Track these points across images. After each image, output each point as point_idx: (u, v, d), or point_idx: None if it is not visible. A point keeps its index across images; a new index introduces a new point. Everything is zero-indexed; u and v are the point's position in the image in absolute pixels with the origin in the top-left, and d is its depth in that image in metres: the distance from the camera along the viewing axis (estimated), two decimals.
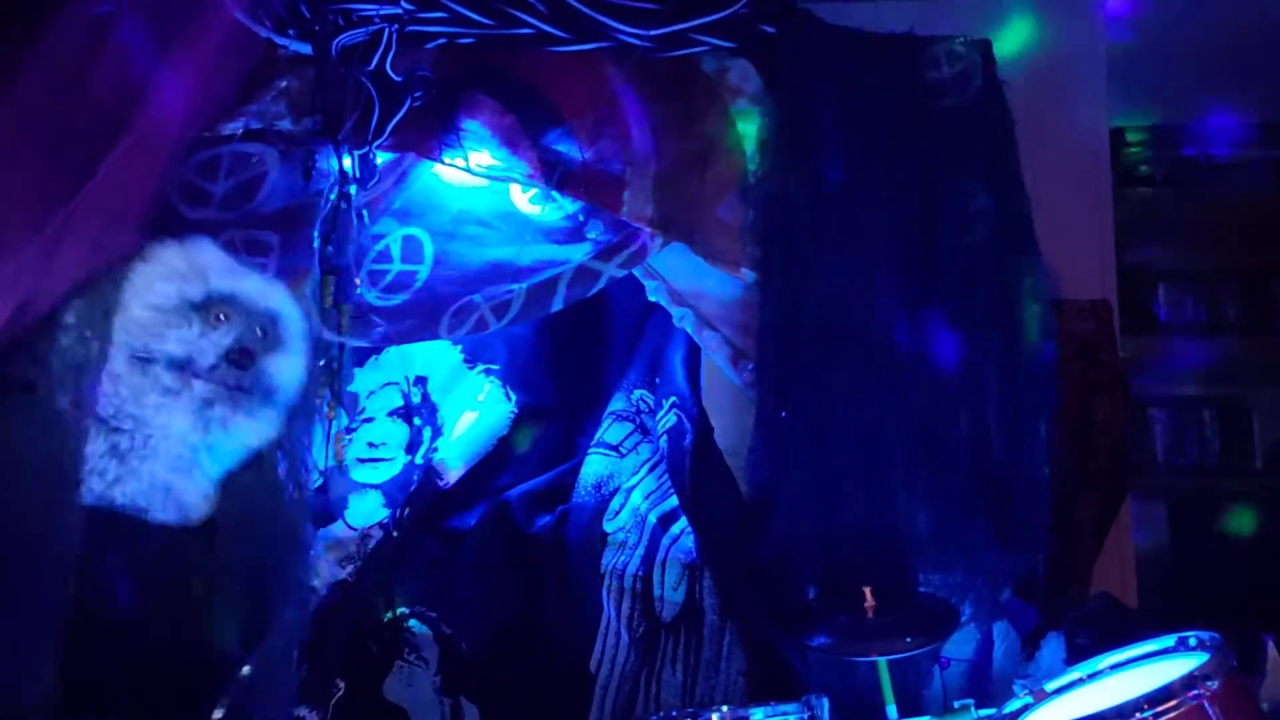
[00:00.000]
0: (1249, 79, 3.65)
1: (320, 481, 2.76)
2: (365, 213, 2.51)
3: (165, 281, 2.02)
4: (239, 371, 2.02)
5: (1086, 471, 2.81)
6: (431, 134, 2.50)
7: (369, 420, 2.85)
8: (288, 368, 2.11)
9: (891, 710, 2.09)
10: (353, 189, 2.47)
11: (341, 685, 2.46)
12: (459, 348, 2.91)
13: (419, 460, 2.83)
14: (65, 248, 2.19)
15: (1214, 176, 3.95)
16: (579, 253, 2.61)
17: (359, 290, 2.59)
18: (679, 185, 2.51)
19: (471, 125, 2.50)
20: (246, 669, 1.99)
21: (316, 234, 2.42)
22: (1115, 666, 1.99)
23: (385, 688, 2.49)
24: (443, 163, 2.54)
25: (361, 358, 2.85)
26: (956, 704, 2.07)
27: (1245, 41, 3.48)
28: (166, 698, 1.93)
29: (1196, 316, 3.95)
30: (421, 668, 2.54)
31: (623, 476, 2.81)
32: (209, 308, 2.03)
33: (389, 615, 2.60)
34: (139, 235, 2.26)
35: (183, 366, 1.99)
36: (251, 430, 2.07)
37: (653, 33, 2.51)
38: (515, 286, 2.56)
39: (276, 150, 2.52)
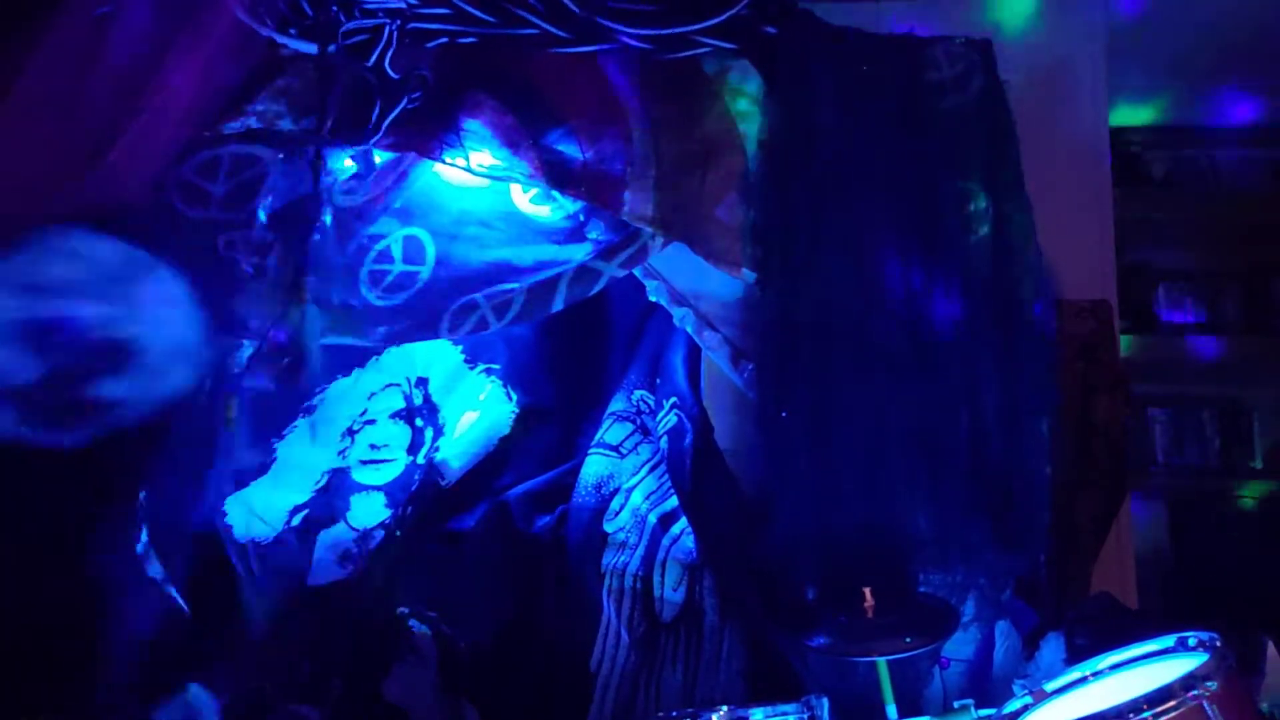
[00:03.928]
0: (1249, 79, 3.65)
1: (324, 481, 2.77)
2: (364, 215, 2.51)
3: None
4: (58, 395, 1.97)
5: (1086, 471, 2.81)
6: (432, 134, 2.50)
7: (371, 422, 2.85)
8: (138, 388, 2.04)
9: (891, 710, 2.09)
10: (345, 189, 2.47)
11: (341, 685, 2.46)
12: (460, 348, 2.91)
13: (420, 460, 2.84)
14: None
15: (1214, 176, 3.95)
16: (580, 253, 2.61)
17: (361, 289, 2.60)
18: (679, 185, 2.52)
19: (472, 125, 2.50)
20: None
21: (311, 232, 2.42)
22: (1115, 667, 1.99)
23: (385, 688, 2.50)
24: (443, 162, 2.54)
25: (362, 358, 2.85)
26: (956, 704, 2.07)
27: (1246, 42, 3.48)
28: None
29: (1196, 316, 3.95)
30: (421, 668, 2.54)
31: (623, 477, 2.81)
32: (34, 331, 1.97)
33: (389, 615, 2.60)
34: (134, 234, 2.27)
35: None
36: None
37: (654, 33, 2.51)
38: (516, 286, 2.56)
39: (277, 150, 2.51)
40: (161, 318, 2.07)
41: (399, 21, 2.46)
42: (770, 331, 2.51)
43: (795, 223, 2.50)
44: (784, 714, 2.06)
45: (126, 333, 2.04)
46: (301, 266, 2.38)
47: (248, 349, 2.55)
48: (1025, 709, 1.96)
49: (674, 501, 2.71)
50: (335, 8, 2.43)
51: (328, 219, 2.49)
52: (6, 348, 1.97)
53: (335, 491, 2.77)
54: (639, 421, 2.87)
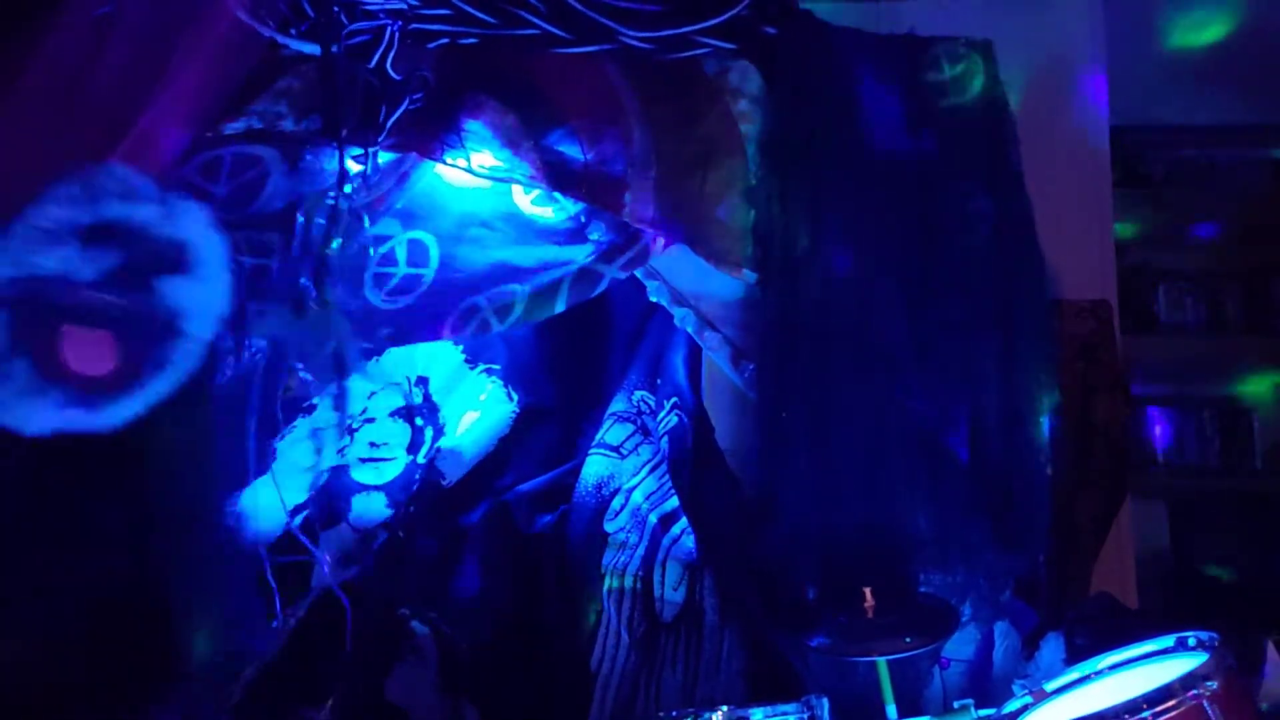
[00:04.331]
0: (1249, 80, 3.65)
1: (324, 480, 2.77)
2: (366, 216, 2.51)
3: (55, 206, 2.02)
4: (124, 290, 2.01)
5: (1086, 471, 2.81)
6: (434, 134, 2.50)
7: (370, 420, 2.85)
8: (196, 293, 2.08)
9: (891, 710, 2.09)
10: (348, 188, 2.47)
11: (345, 687, 2.47)
12: (460, 348, 2.91)
13: (421, 460, 2.84)
14: None
15: (1214, 176, 3.95)
16: (581, 254, 2.61)
17: (364, 292, 2.60)
18: (680, 186, 2.52)
19: (474, 125, 2.50)
20: None
21: (303, 224, 2.42)
22: (1114, 666, 1.99)
23: (387, 688, 2.50)
24: (445, 163, 2.54)
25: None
26: (956, 704, 2.07)
27: (1246, 42, 3.49)
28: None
29: (1196, 316, 3.95)
30: (422, 668, 2.54)
31: (623, 477, 2.81)
32: (95, 231, 2.02)
33: (391, 615, 2.60)
34: None
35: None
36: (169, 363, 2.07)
37: (654, 34, 2.52)
38: (518, 289, 2.56)
39: (279, 151, 2.51)
40: (208, 239, 2.11)
41: (400, 23, 2.46)
42: (770, 331, 2.51)
43: (795, 223, 2.50)
44: (784, 714, 2.07)
45: (185, 234, 2.06)
46: (321, 267, 2.41)
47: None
48: (1025, 709, 1.96)
49: (674, 502, 2.71)
50: (337, 8, 2.43)
51: (335, 220, 2.50)
52: (70, 247, 2.00)
53: (335, 491, 2.77)
54: (639, 422, 2.87)
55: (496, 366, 2.93)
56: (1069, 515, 2.71)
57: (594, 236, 2.62)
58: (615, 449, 2.84)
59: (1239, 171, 3.97)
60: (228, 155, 2.50)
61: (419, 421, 2.86)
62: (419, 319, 2.58)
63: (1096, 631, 2.32)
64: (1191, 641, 1.89)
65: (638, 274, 2.64)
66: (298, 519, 2.72)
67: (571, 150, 2.50)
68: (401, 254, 2.62)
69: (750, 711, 2.07)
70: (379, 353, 2.82)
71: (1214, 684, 1.71)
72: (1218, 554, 3.72)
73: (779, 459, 2.46)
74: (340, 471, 2.79)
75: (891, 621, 2.18)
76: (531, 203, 2.69)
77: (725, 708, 2.08)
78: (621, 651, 2.58)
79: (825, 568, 2.42)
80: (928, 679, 2.45)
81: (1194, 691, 1.70)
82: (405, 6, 2.47)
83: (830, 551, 2.40)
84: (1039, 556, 2.50)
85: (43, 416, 2.01)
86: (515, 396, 2.92)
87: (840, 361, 2.46)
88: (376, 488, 2.79)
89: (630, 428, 2.87)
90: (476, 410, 2.91)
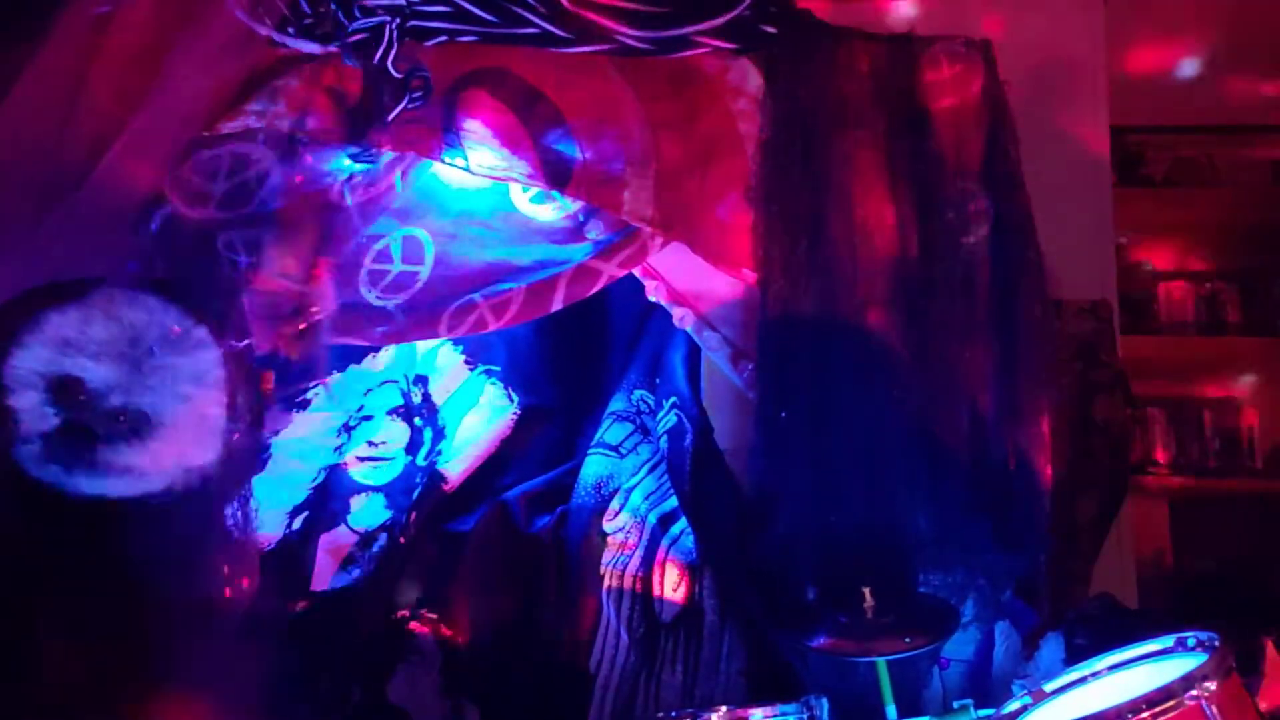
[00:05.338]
0: (1251, 77, 3.66)
1: (321, 478, 2.76)
2: (364, 215, 2.51)
3: (42, 347, 2.03)
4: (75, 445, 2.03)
5: (1086, 471, 2.81)
6: (432, 133, 2.50)
7: (368, 418, 2.85)
8: (158, 452, 2.08)
9: (891, 710, 2.09)
10: (347, 188, 2.47)
11: (359, 693, 2.47)
12: (459, 349, 2.91)
13: (421, 462, 2.83)
14: (59, 246, 2.20)
15: (1214, 176, 3.95)
16: (579, 253, 2.61)
17: (359, 289, 2.60)
18: (679, 185, 2.51)
19: (472, 124, 2.50)
20: None
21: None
22: (1114, 667, 1.98)
23: (388, 690, 2.50)
24: (443, 162, 2.54)
25: (359, 354, 2.85)
26: (956, 704, 2.06)
27: (1247, 40, 3.49)
28: None
29: (1196, 316, 3.96)
30: (424, 669, 2.54)
31: (623, 477, 2.81)
32: (60, 383, 2.03)
33: (393, 618, 2.60)
34: (133, 236, 2.27)
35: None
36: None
37: (654, 34, 2.51)
38: (515, 286, 2.56)
39: (277, 150, 2.51)
40: (186, 394, 2.11)
41: (399, 20, 2.46)
42: (770, 331, 2.51)
43: (795, 223, 2.50)
44: (784, 714, 2.06)
45: (146, 403, 2.07)
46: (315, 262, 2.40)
47: None
48: (1025, 709, 1.96)
49: (673, 502, 2.71)
50: (334, 6, 2.42)
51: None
52: (33, 395, 2.02)
53: (334, 491, 2.77)
54: (639, 421, 2.87)
55: (496, 368, 2.93)
56: (1069, 515, 2.71)
57: (592, 235, 2.62)
58: (614, 448, 2.84)
59: (1239, 171, 3.97)
60: (225, 154, 2.49)
61: (418, 422, 2.86)
62: (415, 316, 2.58)
63: (1096, 631, 2.32)
64: (1191, 641, 1.88)
65: (636, 273, 2.64)
66: (298, 521, 2.72)
67: (570, 149, 2.49)
68: (396, 250, 2.62)
69: (750, 712, 2.07)
70: (375, 350, 2.83)
71: (1213, 684, 1.71)
72: (1218, 554, 3.72)
73: (779, 459, 2.45)
74: (338, 471, 2.79)
75: (891, 621, 2.17)
76: (530, 201, 2.69)
77: (725, 708, 2.08)
78: (621, 652, 2.58)
79: (825, 568, 2.41)
80: (927, 679, 2.45)
81: (1193, 692, 1.70)
82: (404, 3, 2.46)
83: (830, 551, 2.40)
84: (1039, 556, 2.50)
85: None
86: (515, 398, 2.92)
87: (840, 361, 2.46)
88: (375, 489, 2.79)
89: (629, 427, 2.87)
90: (477, 412, 2.91)
